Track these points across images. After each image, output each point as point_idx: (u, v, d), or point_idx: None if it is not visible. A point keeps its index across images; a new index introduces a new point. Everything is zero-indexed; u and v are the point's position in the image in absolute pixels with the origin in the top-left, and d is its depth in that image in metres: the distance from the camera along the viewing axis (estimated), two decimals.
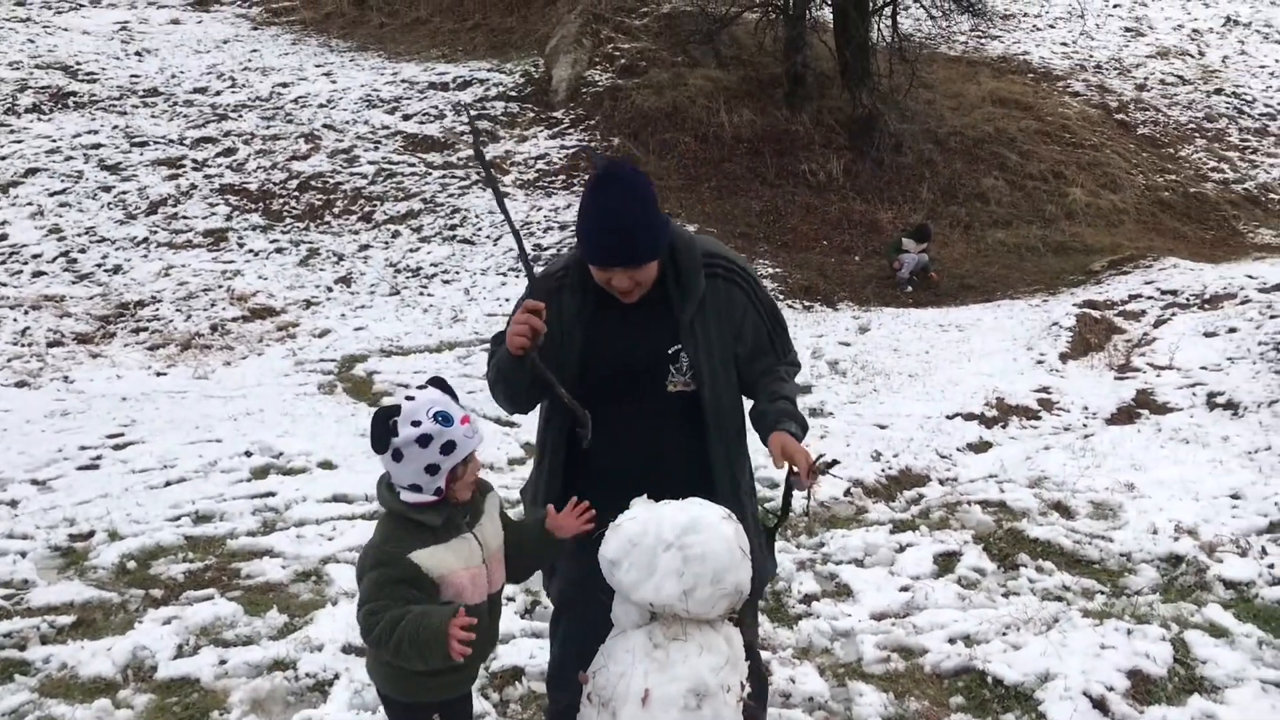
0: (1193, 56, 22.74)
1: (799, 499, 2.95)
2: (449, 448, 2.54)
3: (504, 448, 7.53)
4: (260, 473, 7.20)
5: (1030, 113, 19.07)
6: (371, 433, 2.54)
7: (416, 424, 2.52)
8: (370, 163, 16.64)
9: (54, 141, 16.36)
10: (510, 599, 5.09)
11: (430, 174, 16.55)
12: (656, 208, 2.78)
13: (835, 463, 2.97)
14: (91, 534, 5.95)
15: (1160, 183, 17.87)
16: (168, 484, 6.97)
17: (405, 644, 2.46)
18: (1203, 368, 9.58)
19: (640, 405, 2.94)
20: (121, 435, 8.10)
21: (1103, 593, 5.26)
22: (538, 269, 2.98)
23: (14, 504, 6.54)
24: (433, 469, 2.55)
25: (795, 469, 2.81)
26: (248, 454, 7.53)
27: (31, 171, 15.62)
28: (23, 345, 10.99)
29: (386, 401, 2.19)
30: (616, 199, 2.72)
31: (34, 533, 5.94)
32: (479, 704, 4.04)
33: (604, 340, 2.90)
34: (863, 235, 15.72)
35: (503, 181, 16.57)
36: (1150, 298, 12.12)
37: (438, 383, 2.68)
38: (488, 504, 2.78)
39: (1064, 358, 10.47)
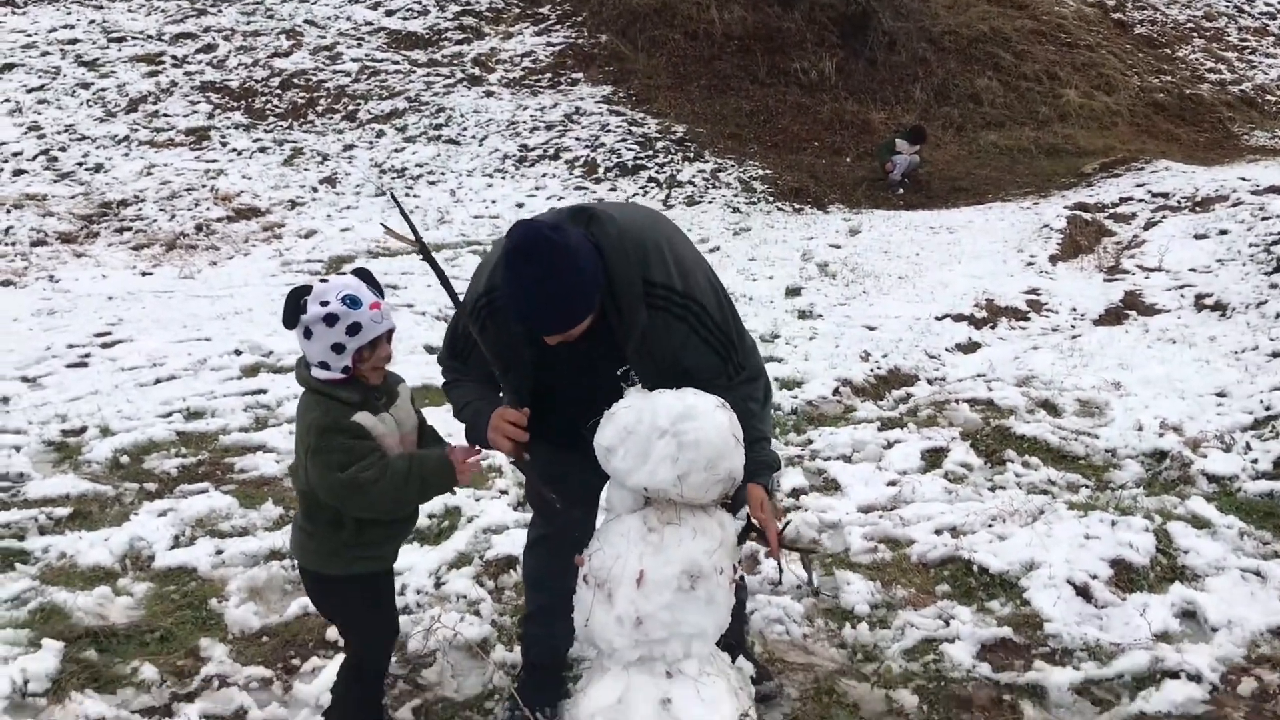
0: None
1: (768, 561, 2.87)
2: (355, 329, 2.66)
3: None
4: (250, 371, 7.19)
5: (1026, 11, 18.76)
6: (283, 309, 2.68)
7: (325, 304, 2.64)
8: (353, 60, 16.32)
9: (29, 36, 15.98)
10: (503, 492, 5.15)
11: (415, 72, 16.24)
12: (577, 274, 2.56)
13: (813, 549, 2.93)
14: (84, 429, 5.96)
15: (1155, 84, 17.67)
16: (158, 381, 6.96)
17: (417, 482, 2.73)
18: (1191, 270, 9.59)
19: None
20: (109, 334, 8.06)
21: (1087, 487, 5.34)
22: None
23: (5, 400, 6.54)
24: (339, 348, 2.67)
25: (766, 541, 2.73)
26: (237, 352, 7.52)
27: (7, 67, 15.28)
28: (6, 245, 10.86)
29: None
30: (529, 277, 2.54)
31: (26, 428, 5.95)
32: (475, 590, 4.11)
33: (552, 368, 2.82)
34: (854, 136, 15.55)
35: (488, 80, 16.30)
36: (1141, 200, 12.07)
37: (360, 272, 2.79)
38: (401, 390, 2.91)
39: (1054, 260, 10.46)
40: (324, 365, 2.70)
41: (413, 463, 2.74)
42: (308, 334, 2.66)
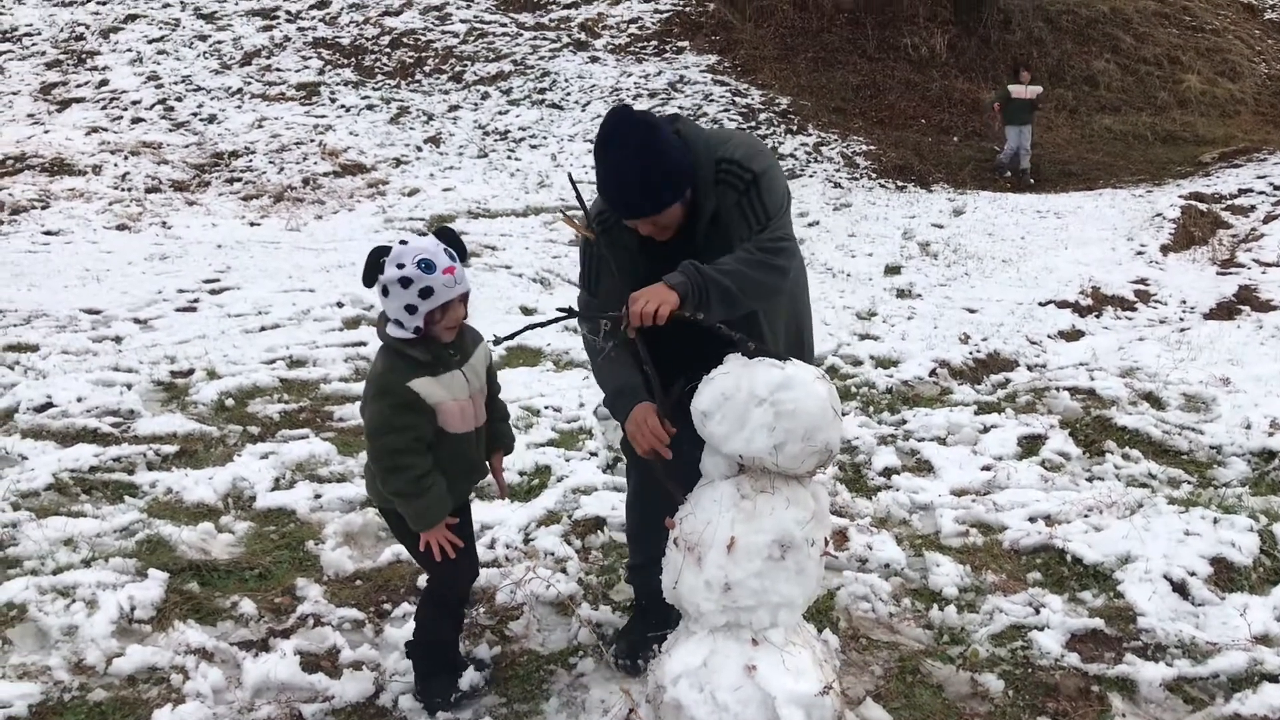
0: None
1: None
2: (427, 292, 2.76)
3: None
4: (352, 323, 7.35)
5: None
6: (363, 268, 2.82)
7: (400, 266, 2.74)
8: (462, 21, 16.46)
9: None
10: (593, 453, 5.19)
11: (521, 35, 16.32)
12: (664, 153, 2.70)
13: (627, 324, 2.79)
14: (191, 371, 6.17)
15: None
16: (263, 329, 7.16)
17: (416, 504, 2.91)
18: None
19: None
20: (217, 280, 8.31)
21: (1189, 483, 5.18)
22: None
23: (118, 340, 6.78)
24: (411, 309, 2.77)
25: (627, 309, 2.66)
26: (339, 304, 7.69)
27: (131, 18, 15.75)
28: (123, 190, 11.23)
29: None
30: (618, 158, 2.69)
31: (138, 367, 6.17)
32: (563, 548, 4.16)
33: (653, 274, 2.78)
34: (963, 115, 15.23)
35: (593, 46, 16.30)
36: (1262, 193, 11.64)
37: (442, 232, 2.89)
38: (478, 351, 3.05)
39: (1165, 250, 10.15)
40: (398, 323, 2.81)
41: (429, 492, 2.89)
42: (385, 292, 2.78)
